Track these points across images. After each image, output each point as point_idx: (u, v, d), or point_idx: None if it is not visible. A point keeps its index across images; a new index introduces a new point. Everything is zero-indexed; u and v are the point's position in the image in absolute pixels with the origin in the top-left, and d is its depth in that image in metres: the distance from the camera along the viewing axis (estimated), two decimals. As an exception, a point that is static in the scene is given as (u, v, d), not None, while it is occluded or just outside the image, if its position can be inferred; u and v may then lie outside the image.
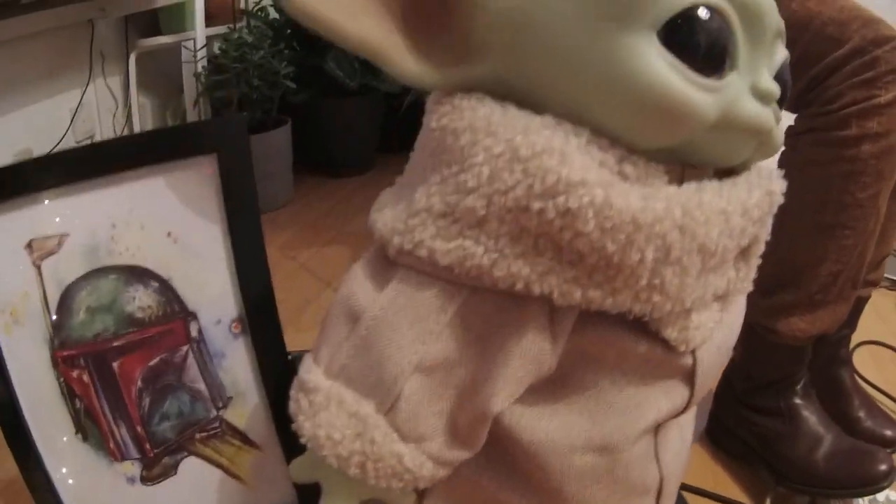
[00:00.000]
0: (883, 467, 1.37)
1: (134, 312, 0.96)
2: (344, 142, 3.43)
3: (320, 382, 0.70)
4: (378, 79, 3.16)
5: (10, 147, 2.41)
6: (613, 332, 0.67)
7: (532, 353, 0.66)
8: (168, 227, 0.97)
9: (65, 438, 0.98)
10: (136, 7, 2.89)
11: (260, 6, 3.12)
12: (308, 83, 3.11)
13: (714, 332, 0.72)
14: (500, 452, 0.74)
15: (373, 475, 0.69)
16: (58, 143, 2.60)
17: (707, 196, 0.63)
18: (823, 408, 1.50)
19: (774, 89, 0.66)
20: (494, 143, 0.60)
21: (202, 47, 2.93)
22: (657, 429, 0.77)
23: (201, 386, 0.99)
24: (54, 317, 0.96)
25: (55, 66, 2.62)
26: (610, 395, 0.71)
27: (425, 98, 0.71)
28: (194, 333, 0.98)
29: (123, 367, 0.97)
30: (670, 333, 0.68)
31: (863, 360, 1.88)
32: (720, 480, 1.52)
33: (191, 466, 1.00)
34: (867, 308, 1.66)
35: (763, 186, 0.69)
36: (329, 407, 0.69)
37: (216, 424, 1.00)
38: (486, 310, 0.65)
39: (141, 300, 0.96)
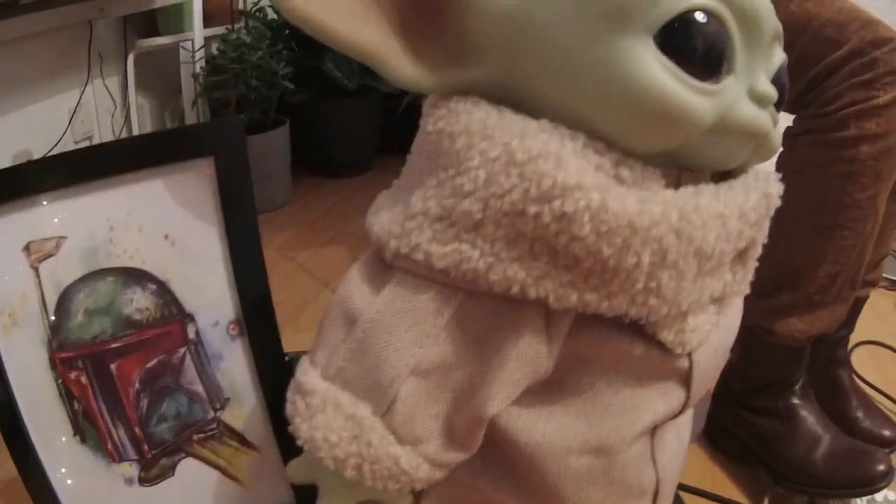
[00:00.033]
0: (881, 467, 1.37)
1: (132, 314, 0.96)
2: (342, 142, 3.43)
3: (317, 385, 0.70)
4: (376, 79, 3.15)
5: (9, 147, 2.41)
6: (609, 335, 0.67)
7: (528, 356, 0.66)
8: (165, 229, 0.97)
9: (63, 440, 0.98)
10: (134, 7, 2.88)
11: (258, 7, 3.11)
12: (306, 84, 3.11)
13: (711, 335, 0.72)
14: (497, 454, 0.74)
15: (369, 477, 0.69)
16: (56, 144, 2.59)
17: (704, 200, 0.63)
18: (822, 408, 1.50)
19: (772, 92, 0.66)
20: (490, 146, 0.60)
21: (200, 48, 2.93)
22: (654, 430, 0.77)
23: (199, 388, 0.99)
24: (52, 319, 0.96)
25: (54, 67, 2.62)
26: (606, 398, 0.71)
27: (423, 99, 0.71)
28: (192, 335, 0.98)
29: (121, 368, 0.97)
30: (666, 336, 0.68)
31: (861, 361, 1.88)
32: (718, 481, 1.52)
33: (188, 468, 1.01)
34: (866, 308, 1.66)
35: (760, 189, 0.69)
36: (325, 409, 0.69)
37: (214, 426, 1.00)
38: (483, 313, 0.65)
39: (139, 302, 0.96)
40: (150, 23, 3.08)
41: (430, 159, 0.65)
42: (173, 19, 3.02)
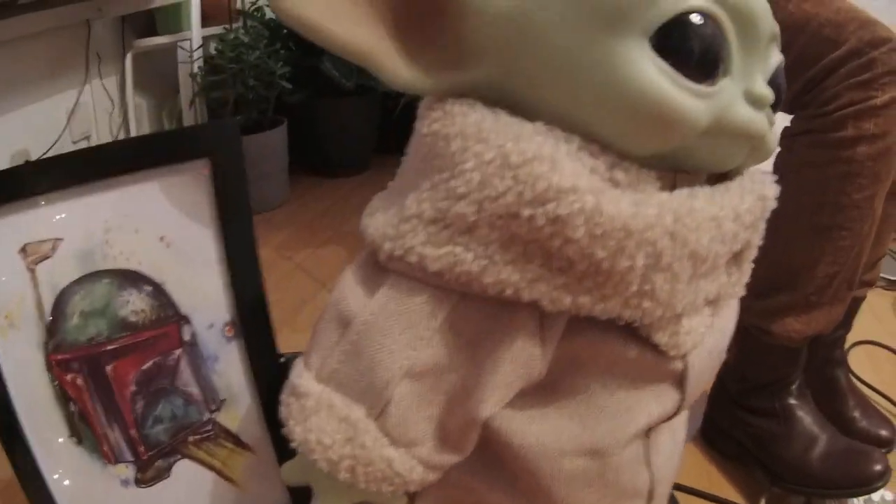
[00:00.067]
0: (878, 467, 1.37)
1: (127, 316, 0.96)
2: (340, 142, 3.43)
3: (311, 387, 0.70)
4: (374, 79, 3.10)
5: (7, 147, 2.41)
6: (604, 338, 0.67)
7: (522, 358, 0.66)
8: (161, 231, 0.97)
9: (60, 441, 0.98)
10: (132, 7, 2.88)
11: (256, 6, 3.11)
12: (304, 83, 3.11)
13: (705, 337, 0.72)
14: (491, 456, 0.74)
15: (363, 479, 0.69)
16: (54, 144, 2.59)
17: (699, 202, 0.63)
18: (819, 408, 1.50)
19: (768, 94, 0.66)
20: (485, 149, 0.60)
21: (198, 48, 2.93)
22: (648, 432, 0.77)
23: (194, 389, 0.99)
24: (49, 320, 0.96)
25: (52, 67, 2.62)
26: (600, 400, 0.71)
27: (421, 99, 0.71)
28: (187, 337, 0.98)
29: (117, 370, 0.97)
30: (661, 338, 0.68)
31: (859, 360, 1.88)
32: (715, 481, 1.52)
33: (184, 469, 1.01)
34: (863, 308, 1.66)
35: (756, 191, 0.69)
36: (319, 411, 0.69)
37: (209, 427, 1.00)
38: (476, 316, 0.65)
39: (134, 304, 0.96)
40: (149, 22, 3.08)
41: (425, 161, 0.65)
42: (171, 19, 3.02)
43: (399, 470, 0.69)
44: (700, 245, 0.62)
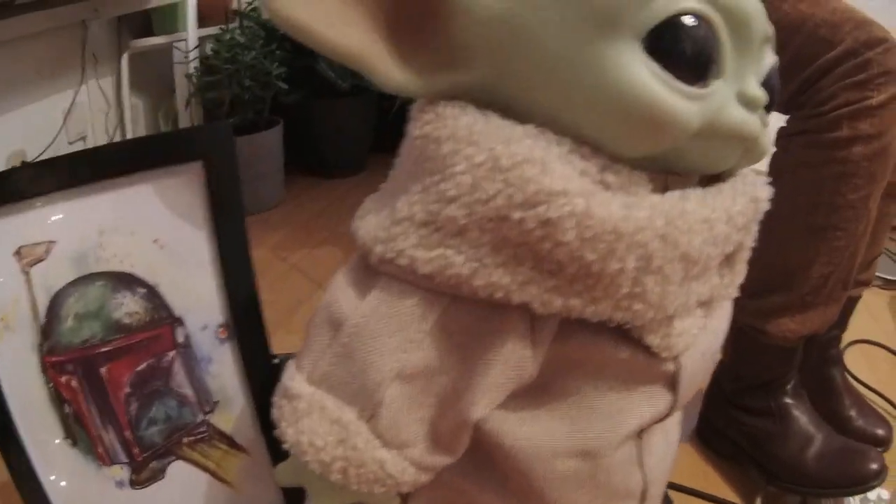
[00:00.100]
0: (874, 466, 1.38)
1: (121, 319, 0.96)
2: (336, 142, 3.43)
3: (303, 389, 0.70)
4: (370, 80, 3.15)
5: (3, 148, 2.40)
6: (595, 339, 0.67)
7: (513, 360, 0.66)
8: (155, 233, 0.97)
9: (55, 443, 0.98)
10: (129, 7, 2.88)
11: (252, 6, 3.11)
12: (300, 84, 3.11)
13: (698, 338, 0.72)
14: (483, 457, 0.74)
15: (355, 480, 0.69)
16: (50, 144, 2.59)
17: (691, 204, 0.63)
18: (815, 408, 1.50)
19: (761, 96, 0.66)
20: (476, 152, 0.60)
21: (194, 48, 2.93)
22: (641, 433, 0.77)
23: (188, 391, 0.99)
24: (43, 323, 0.96)
25: (48, 67, 2.62)
26: (592, 401, 0.71)
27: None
28: (181, 339, 0.98)
29: (111, 372, 0.97)
30: (653, 340, 0.68)
31: (855, 360, 1.89)
32: (711, 480, 1.52)
33: (179, 470, 1.01)
34: (859, 307, 1.66)
35: (748, 193, 0.69)
36: (311, 413, 0.69)
37: (203, 429, 1.00)
38: (467, 318, 0.65)
39: (128, 306, 0.96)
40: (145, 23, 3.08)
41: (417, 164, 0.65)
42: (168, 19, 3.02)
43: (391, 471, 0.69)
44: (692, 247, 0.62)
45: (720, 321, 0.78)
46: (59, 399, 0.97)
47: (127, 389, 0.98)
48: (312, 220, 2.95)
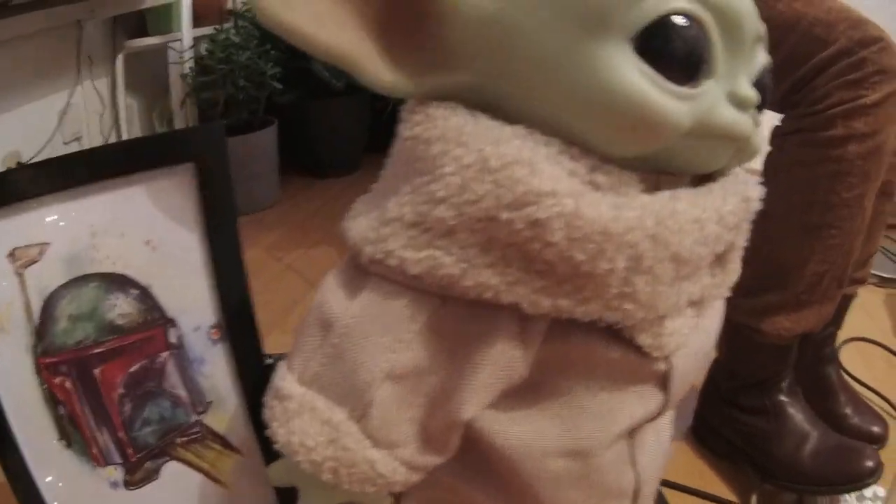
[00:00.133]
0: (869, 464, 1.38)
1: (114, 320, 0.96)
2: (331, 142, 3.43)
3: (293, 390, 0.70)
4: (364, 80, 3.15)
5: (-1, 149, 2.42)
6: (586, 339, 0.67)
7: (503, 361, 0.66)
8: (147, 235, 0.97)
9: (50, 444, 0.98)
10: (124, 8, 2.88)
11: (247, 6, 3.11)
12: (294, 84, 3.11)
13: (690, 338, 0.72)
14: (475, 457, 0.74)
15: (346, 480, 0.69)
16: (45, 145, 2.59)
17: (681, 204, 0.63)
18: (810, 405, 1.51)
19: (752, 95, 0.65)
20: (465, 153, 0.60)
21: (189, 48, 2.93)
22: (633, 432, 0.77)
23: (181, 391, 0.99)
24: (37, 324, 0.96)
25: (43, 68, 2.62)
26: (583, 401, 0.71)
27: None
28: (174, 340, 0.98)
29: (105, 373, 0.97)
30: (644, 340, 0.68)
31: (851, 357, 1.89)
32: (706, 479, 1.52)
33: (173, 471, 1.00)
34: (855, 304, 1.67)
35: (739, 193, 0.69)
36: (302, 414, 0.69)
37: (196, 429, 1.00)
38: (457, 318, 0.65)
39: (121, 308, 0.96)
40: (140, 23, 3.08)
41: (407, 165, 0.65)
42: (162, 19, 3.02)
43: (382, 471, 0.69)
44: (682, 247, 0.62)
45: (712, 320, 0.77)
46: (53, 400, 0.97)
47: (120, 390, 0.98)
48: (307, 220, 2.95)
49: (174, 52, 2.97)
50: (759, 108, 0.68)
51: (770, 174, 1.34)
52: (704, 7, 0.60)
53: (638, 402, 0.74)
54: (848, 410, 1.63)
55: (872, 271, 1.78)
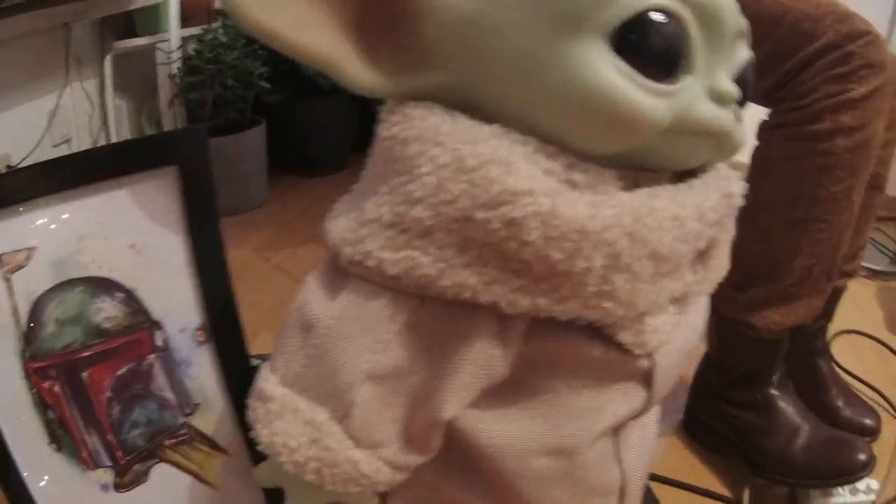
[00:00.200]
0: (862, 456, 1.38)
1: (101, 323, 0.96)
2: (319, 141, 3.43)
3: (276, 391, 0.70)
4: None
5: (-11, 152, 2.42)
6: (567, 338, 0.67)
7: (482, 360, 0.66)
8: (131, 238, 0.97)
9: (40, 448, 0.98)
10: (112, 9, 2.87)
11: (235, 6, 3.10)
12: (282, 83, 3.10)
13: (672, 335, 0.72)
14: (459, 455, 0.74)
15: (329, 481, 0.69)
16: (35, 148, 2.59)
17: (660, 202, 0.62)
18: (802, 398, 1.51)
19: (732, 91, 0.65)
20: (441, 152, 0.60)
21: (177, 48, 2.93)
22: (618, 430, 0.77)
23: (168, 394, 0.99)
24: (25, 329, 0.96)
25: (32, 70, 2.61)
26: (566, 399, 0.71)
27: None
28: (160, 342, 0.98)
29: (93, 377, 0.97)
30: (626, 337, 0.68)
31: (842, 350, 1.90)
32: (698, 473, 1.53)
33: (162, 473, 1.01)
34: (846, 297, 1.67)
35: (721, 189, 0.69)
36: (284, 415, 0.69)
37: (184, 431, 1.00)
38: (436, 318, 0.65)
39: (107, 311, 0.96)
40: (128, 24, 3.07)
41: (385, 165, 0.65)
42: (150, 20, 3.02)
43: (365, 471, 0.69)
44: (661, 244, 0.62)
45: (696, 316, 0.77)
46: (42, 405, 0.97)
47: (108, 393, 0.98)
48: (296, 220, 2.95)
49: (162, 53, 2.97)
50: (741, 103, 0.68)
51: (757, 168, 1.34)
52: (683, 3, 0.60)
53: (622, 399, 0.74)
54: (840, 403, 1.63)
55: (863, 264, 1.78)
